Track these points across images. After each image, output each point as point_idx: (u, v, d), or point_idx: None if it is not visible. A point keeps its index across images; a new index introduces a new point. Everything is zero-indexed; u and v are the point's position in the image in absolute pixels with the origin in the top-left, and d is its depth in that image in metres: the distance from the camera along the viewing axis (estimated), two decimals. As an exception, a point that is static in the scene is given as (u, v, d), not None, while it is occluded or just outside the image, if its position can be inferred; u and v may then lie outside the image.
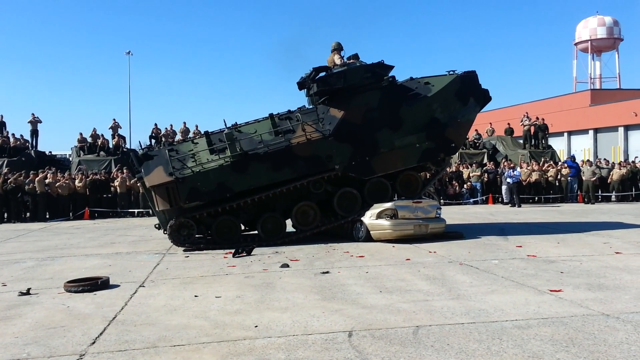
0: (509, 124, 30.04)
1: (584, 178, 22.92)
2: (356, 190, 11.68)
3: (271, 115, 11.43)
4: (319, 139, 11.20)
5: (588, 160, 26.03)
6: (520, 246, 10.24)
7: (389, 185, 11.96)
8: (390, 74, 11.82)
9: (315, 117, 11.41)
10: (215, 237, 11.30)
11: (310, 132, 11.20)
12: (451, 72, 11.93)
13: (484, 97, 12.25)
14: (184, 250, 10.92)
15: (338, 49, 12.19)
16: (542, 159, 25.04)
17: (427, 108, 11.60)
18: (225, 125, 11.43)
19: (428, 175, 13.22)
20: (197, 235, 11.39)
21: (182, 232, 11.09)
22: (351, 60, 11.86)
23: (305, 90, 12.36)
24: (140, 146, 11.70)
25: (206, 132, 11.40)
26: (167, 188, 10.68)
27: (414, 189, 12.23)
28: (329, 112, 11.47)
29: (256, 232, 11.70)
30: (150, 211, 20.34)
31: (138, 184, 17.51)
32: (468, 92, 11.91)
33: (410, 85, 11.88)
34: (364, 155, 11.44)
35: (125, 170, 21.55)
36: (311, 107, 12.05)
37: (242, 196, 11.10)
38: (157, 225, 12.41)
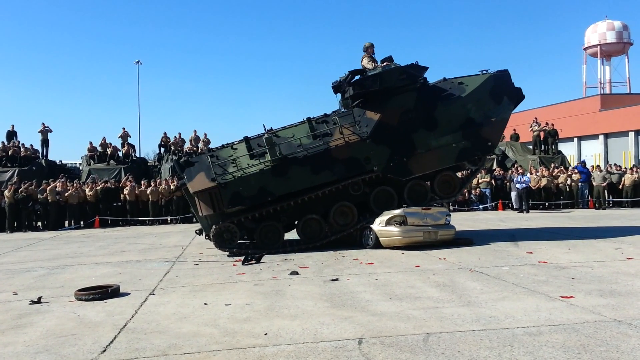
0: (514, 129, 29.90)
1: (594, 184, 22.77)
2: (393, 190, 11.81)
3: (309, 119, 11.60)
4: (357, 142, 11.32)
5: (598, 166, 25.85)
6: (531, 252, 10.18)
7: (427, 186, 12.07)
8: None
9: (352, 120, 11.51)
10: (259, 242, 11.43)
11: (347, 134, 11.32)
12: (484, 72, 12.01)
13: (517, 96, 12.26)
14: (229, 256, 11.00)
15: (369, 50, 12.18)
16: (552, 165, 24.91)
17: (462, 108, 11.67)
18: (265, 129, 11.56)
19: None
20: (239, 241, 11.55)
21: (225, 236, 11.22)
22: (385, 63, 11.89)
23: (340, 93, 12.43)
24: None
25: (246, 138, 11.50)
26: (210, 193, 10.85)
27: (452, 189, 12.29)
28: (365, 114, 11.57)
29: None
30: (160, 219, 20.57)
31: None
32: (501, 90, 11.95)
33: (444, 85, 11.97)
34: (402, 157, 11.54)
35: (131, 179, 21.72)
36: (344, 110, 12.13)
37: (282, 200, 11.24)
38: (197, 231, 12.64)
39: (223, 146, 11.66)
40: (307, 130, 11.43)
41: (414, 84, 11.68)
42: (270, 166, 10.98)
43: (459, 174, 13.29)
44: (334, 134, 11.36)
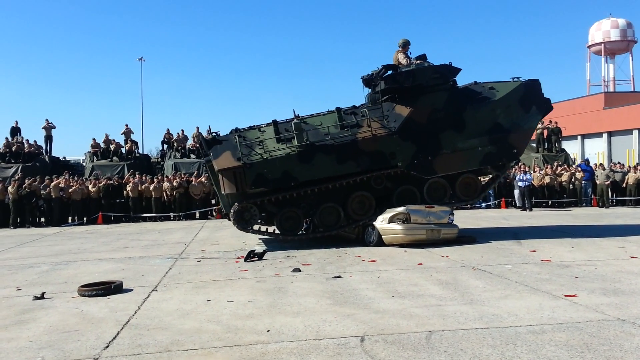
0: None
1: (598, 182, 22.69)
2: (416, 188, 11.95)
3: (338, 109, 11.72)
4: (384, 136, 11.42)
5: (601, 164, 25.76)
6: (534, 250, 10.16)
7: (448, 186, 12.13)
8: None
9: (381, 114, 11.62)
10: (279, 228, 11.67)
11: (375, 128, 11.42)
12: (515, 79, 12.13)
13: (546, 106, 12.39)
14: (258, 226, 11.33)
15: (404, 46, 12.29)
16: (556, 163, 24.84)
17: (491, 113, 11.78)
18: (295, 115, 11.65)
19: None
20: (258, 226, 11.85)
21: (245, 216, 11.41)
22: (418, 61, 11.99)
23: (370, 87, 12.50)
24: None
25: (274, 121, 11.61)
26: (234, 172, 11.00)
27: (472, 192, 12.39)
28: (395, 109, 11.67)
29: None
30: (162, 216, 20.58)
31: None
32: (531, 99, 12.05)
33: (475, 89, 12.09)
34: (427, 155, 11.64)
35: (137, 175, 21.70)
36: (369, 103, 12.25)
37: (305, 186, 11.37)
38: (220, 210, 12.91)
39: (251, 127, 11.78)
40: (336, 120, 11.56)
41: (446, 84, 11.80)
42: (296, 151, 11.14)
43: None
44: (362, 126, 11.47)
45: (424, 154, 11.60)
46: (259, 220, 11.89)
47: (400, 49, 12.27)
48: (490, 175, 12.98)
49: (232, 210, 11.42)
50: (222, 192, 11.49)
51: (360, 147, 11.33)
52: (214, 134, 11.65)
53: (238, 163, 10.94)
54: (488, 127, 11.75)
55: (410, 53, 12.22)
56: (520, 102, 11.89)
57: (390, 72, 11.92)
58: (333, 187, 11.44)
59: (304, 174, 11.22)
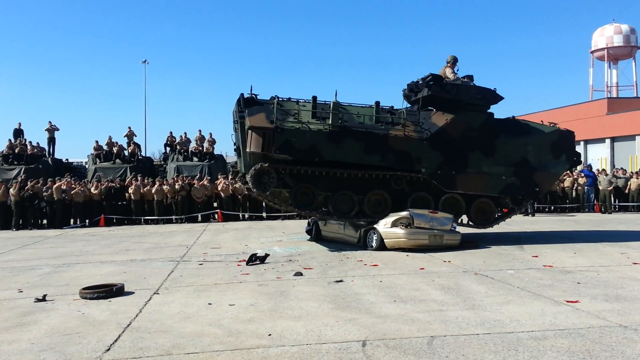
0: None
1: (600, 187, 22.66)
2: (432, 199, 12.16)
3: (377, 103, 11.92)
4: (415, 139, 11.70)
5: (604, 170, 25.70)
6: (536, 256, 10.14)
7: (464, 205, 12.34)
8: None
9: (416, 120, 11.87)
10: (293, 201, 11.86)
11: (409, 129, 11.67)
12: (552, 124, 12.54)
13: (575, 159, 12.81)
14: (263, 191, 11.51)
15: (452, 62, 12.55)
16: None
17: (522, 147, 12.16)
18: (335, 96, 11.82)
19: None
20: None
21: (263, 179, 11.53)
22: (465, 79, 12.30)
23: (413, 94, 12.65)
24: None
25: (314, 97, 11.76)
26: (264, 132, 11.14)
27: (486, 217, 12.68)
28: (431, 119, 11.95)
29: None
30: (164, 219, 20.59)
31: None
32: (562, 148, 12.46)
33: (511, 121, 12.49)
34: (451, 169, 11.90)
35: (139, 178, 21.71)
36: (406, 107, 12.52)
37: (327, 166, 11.53)
38: (231, 171, 13.07)
39: (289, 99, 11.94)
40: (373, 113, 11.77)
41: (486, 107, 12.13)
42: (328, 130, 11.33)
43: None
44: (397, 125, 11.71)
45: (449, 167, 11.85)
46: (267, 193, 11.77)
47: (448, 65, 12.51)
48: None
49: (253, 168, 11.43)
50: (247, 150, 11.53)
51: (389, 143, 11.57)
52: (253, 95, 11.72)
53: (270, 125, 11.10)
54: (516, 160, 12.10)
55: (458, 70, 12.54)
56: (552, 147, 12.31)
57: (432, 82, 12.16)
58: (354, 175, 11.58)
59: (330, 153, 11.37)
